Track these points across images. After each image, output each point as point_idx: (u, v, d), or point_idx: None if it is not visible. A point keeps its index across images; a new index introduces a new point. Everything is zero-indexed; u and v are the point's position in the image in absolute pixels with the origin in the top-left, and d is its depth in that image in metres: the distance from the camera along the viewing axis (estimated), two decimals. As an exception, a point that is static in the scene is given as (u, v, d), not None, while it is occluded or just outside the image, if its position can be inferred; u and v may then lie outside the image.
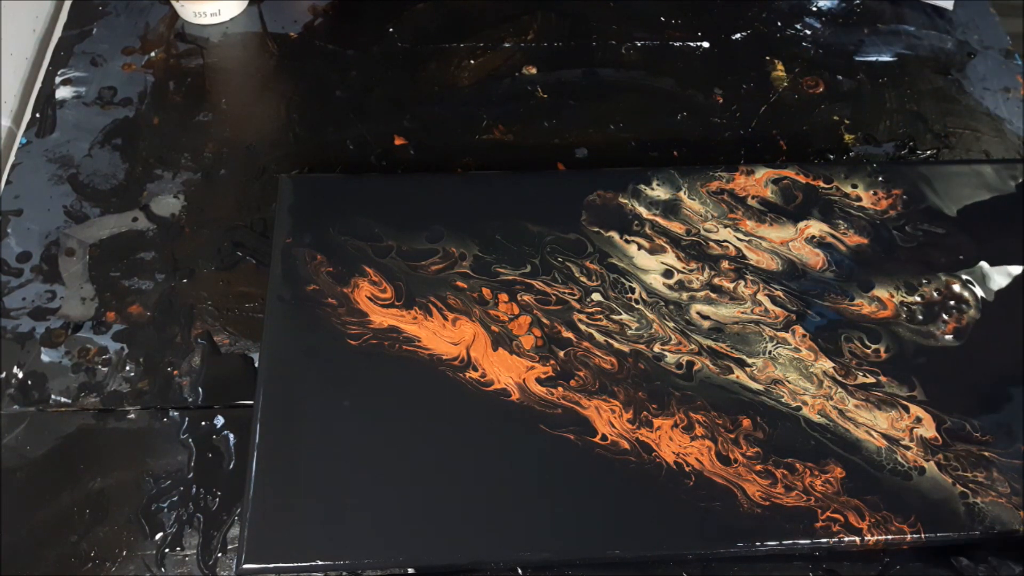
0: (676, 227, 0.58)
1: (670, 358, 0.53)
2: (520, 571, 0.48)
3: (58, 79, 0.67)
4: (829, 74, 0.71)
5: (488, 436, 0.49)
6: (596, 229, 0.58)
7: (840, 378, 0.52)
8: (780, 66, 0.72)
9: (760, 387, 0.52)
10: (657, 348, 0.53)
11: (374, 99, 0.68)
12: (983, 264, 0.57)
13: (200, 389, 0.53)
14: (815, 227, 0.59)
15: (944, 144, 0.67)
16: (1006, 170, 0.61)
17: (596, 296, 0.55)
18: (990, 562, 0.49)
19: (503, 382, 0.51)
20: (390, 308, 0.54)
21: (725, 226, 0.58)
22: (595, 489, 0.48)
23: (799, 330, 0.54)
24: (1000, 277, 0.56)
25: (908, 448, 0.50)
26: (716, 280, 0.56)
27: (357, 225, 0.57)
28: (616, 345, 0.53)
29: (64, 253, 0.58)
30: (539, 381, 0.51)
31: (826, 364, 0.53)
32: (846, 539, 0.47)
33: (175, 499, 0.49)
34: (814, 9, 0.76)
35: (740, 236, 0.58)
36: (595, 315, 0.54)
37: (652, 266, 0.56)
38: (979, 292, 0.56)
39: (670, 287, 0.56)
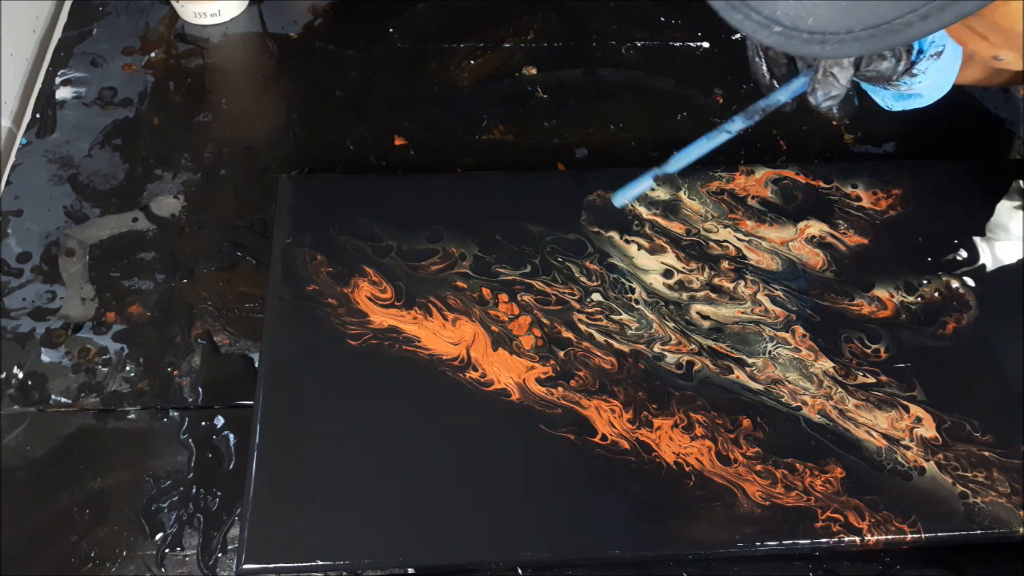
0: (676, 227, 0.58)
1: (670, 358, 0.53)
2: (520, 571, 0.48)
3: (58, 79, 0.67)
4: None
5: (488, 436, 0.49)
6: (596, 229, 0.58)
7: (840, 378, 0.52)
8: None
9: (760, 387, 0.52)
10: (657, 348, 0.53)
11: (374, 99, 0.68)
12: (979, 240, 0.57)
13: (200, 389, 0.53)
14: (815, 227, 0.59)
15: (944, 144, 0.67)
16: (1006, 170, 0.61)
17: (596, 296, 0.55)
18: (991, 562, 0.49)
19: (503, 382, 0.51)
20: (390, 308, 0.54)
21: (725, 226, 0.58)
22: (595, 489, 0.48)
23: (799, 330, 0.54)
24: (1001, 253, 0.56)
25: (908, 448, 0.50)
26: (716, 280, 0.56)
27: (357, 225, 0.57)
28: (616, 345, 0.53)
29: (64, 253, 0.58)
30: (539, 381, 0.51)
31: (826, 364, 0.53)
32: (846, 539, 0.47)
33: (175, 499, 0.49)
34: (814, 9, 0.76)
35: (740, 236, 0.58)
36: (595, 315, 0.54)
37: (652, 266, 0.56)
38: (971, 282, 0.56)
39: (670, 287, 0.56)
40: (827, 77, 0.42)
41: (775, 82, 0.47)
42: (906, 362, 0.53)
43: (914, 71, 0.42)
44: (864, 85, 0.45)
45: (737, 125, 0.49)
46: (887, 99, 0.45)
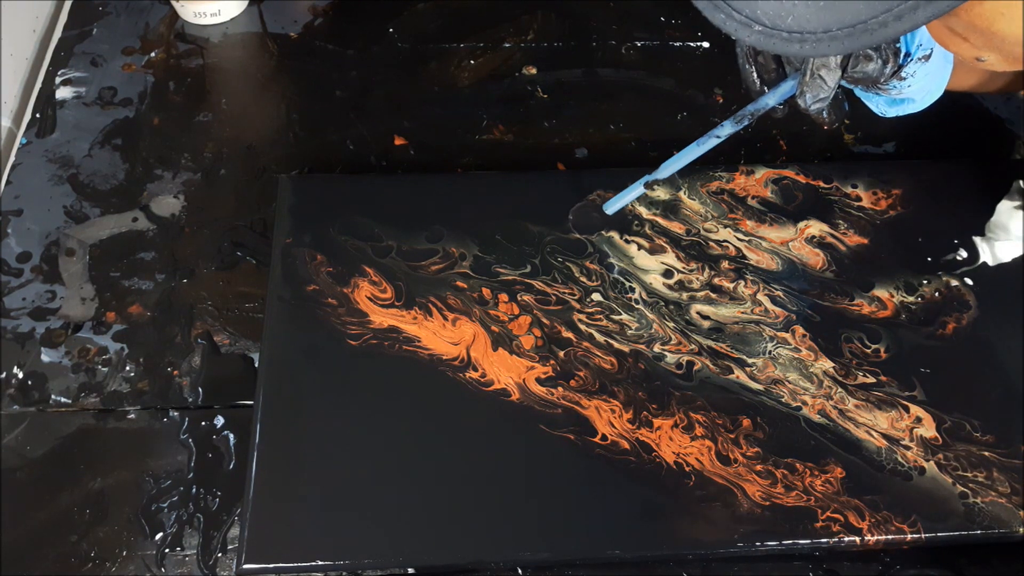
0: (676, 227, 0.58)
1: (670, 358, 0.53)
2: (520, 571, 0.48)
3: (58, 79, 0.67)
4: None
5: (488, 436, 0.49)
6: (588, 236, 0.58)
7: (840, 378, 0.52)
8: (780, 66, 0.72)
9: (760, 387, 0.52)
10: (657, 348, 0.53)
11: (374, 99, 0.68)
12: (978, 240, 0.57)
13: (200, 389, 0.53)
14: (815, 227, 0.59)
15: (944, 144, 0.67)
16: (1006, 170, 0.61)
17: (596, 296, 0.55)
18: (991, 562, 0.49)
19: (503, 382, 0.51)
20: (390, 308, 0.54)
21: (725, 226, 0.58)
22: (595, 489, 0.48)
23: (799, 330, 0.54)
24: (1000, 253, 0.56)
25: (908, 448, 0.50)
26: (716, 280, 0.56)
27: (357, 225, 0.57)
28: (616, 345, 0.53)
29: (64, 253, 0.58)
30: (539, 381, 0.51)
31: (826, 364, 0.53)
32: (846, 539, 0.47)
33: (175, 499, 0.49)
34: (814, 9, 0.76)
35: (740, 236, 0.58)
36: (595, 315, 0.54)
37: (652, 266, 0.56)
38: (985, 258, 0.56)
39: (670, 287, 0.56)
40: (815, 80, 0.43)
41: (765, 88, 0.47)
42: (916, 368, 0.53)
43: (902, 74, 0.42)
44: (858, 92, 0.45)
45: (726, 130, 0.49)
46: (880, 105, 0.45)
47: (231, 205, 0.61)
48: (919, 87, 0.43)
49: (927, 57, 0.41)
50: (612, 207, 0.56)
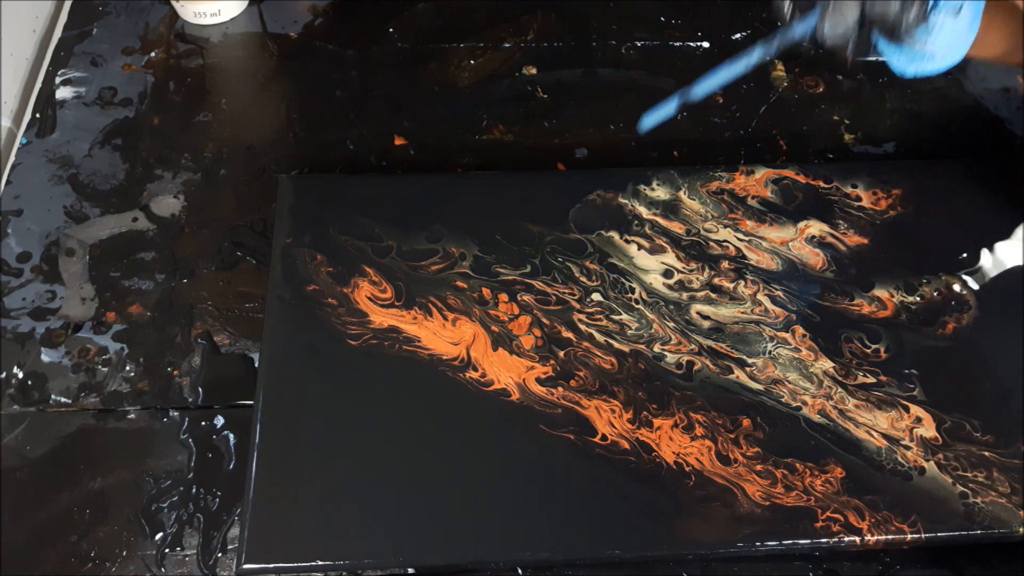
0: (676, 227, 0.58)
1: (670, 358, 0.53)
2: (520, 571, 0.48)
3: (58, 79, 0.67)
4: (829, 74, 0.71)
5: (488, 436, 0.49)
6: (587, 235, 0.58)
7: (840, 378, 0.52)
8: (780, 66, 0.72)
9: (760, 387, 0.52)
10: (657, 348, 0.53)
11: (374, 99, 0.68)
12: (984, 260, 0.57)
13: (200, 389, 0.53)
14: (815, 227, 0.59)
15: (944, 144, 0.67)
16: (1006, 170, 0.61)
17: (596, 296, 0.55)
18: (991, 562, 0.49)
19: (503, 382, 0.51)
20: (390, 308, 0.54)
21: (725, 226, 0.58)
22: (595, 489, 0.48)
23: (799, 330, 0.54)
24: (1001, 254, 0.56)
25: (908, 448, 0.50)
26: (716, 280, 0.56)
27: (357, 225, 0.57)
28: (616, 345, 0.53)
29: (64, 253, 0.58)
30: (539, 381, 0.51)
31: (826, 364, 0.53)
32: (846, 539, 0.47)
33: (175, 499, 0.49)
34: (814, 9, 0.76)
35: (740, 236, 0.58)
36: (595, 315, 0.54)
37: (652, 266, 0.56)
38: (975, 285, 0.56)
39: (670, 287, 0.56)
40: (836, 13, 0.44)
41: (794, 19, 0.48)
42: (910, 367, 0.53)
43: (928, 21, 0.43)
44: (881, 46, 0.46)
45: (756, 55, 0.50)
46: (901, 61, 0.46)
47: (231, 205, 0.61)
48: (943, 42, 0.44)
49: (957, 13, 0.42)
50: (646, 124, 0.55)
